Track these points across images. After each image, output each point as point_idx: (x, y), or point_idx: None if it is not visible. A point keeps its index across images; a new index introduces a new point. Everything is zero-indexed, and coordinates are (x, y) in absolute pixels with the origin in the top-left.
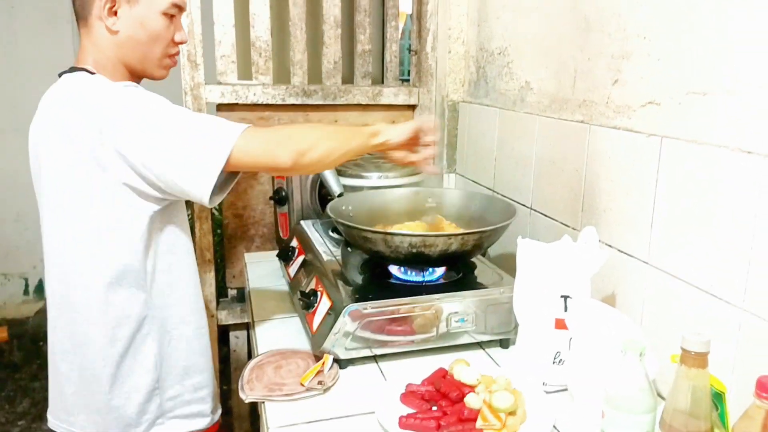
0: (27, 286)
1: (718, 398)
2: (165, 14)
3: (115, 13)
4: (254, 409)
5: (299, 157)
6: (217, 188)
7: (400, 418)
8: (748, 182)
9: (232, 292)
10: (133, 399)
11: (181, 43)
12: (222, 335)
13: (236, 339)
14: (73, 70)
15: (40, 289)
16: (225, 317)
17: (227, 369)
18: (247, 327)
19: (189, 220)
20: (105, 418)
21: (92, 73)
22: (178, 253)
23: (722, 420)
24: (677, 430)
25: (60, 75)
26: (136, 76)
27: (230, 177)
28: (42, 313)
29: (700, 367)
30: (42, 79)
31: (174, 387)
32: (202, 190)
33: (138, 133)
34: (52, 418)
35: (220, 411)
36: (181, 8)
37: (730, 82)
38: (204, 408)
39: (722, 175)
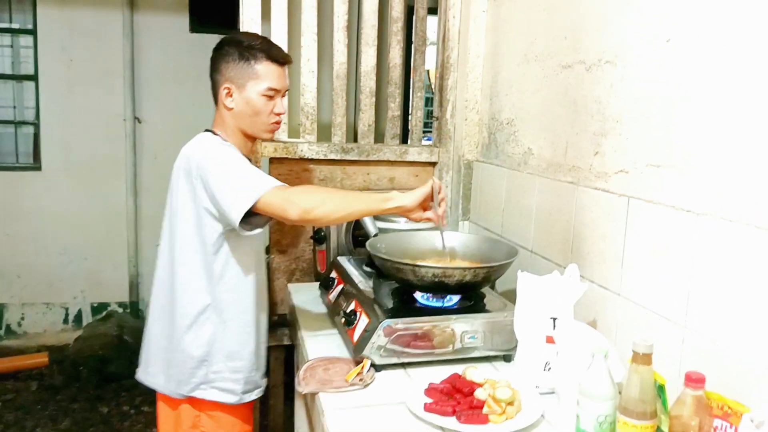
0: (67, 315)
1: (660, 389)
2: (264, 95)
3: (231, 95)
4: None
5: (304, 213)
6: (258, 224)
7: (425, 404)
8: (689, 234)
9: (274, 318)
10: (188, 363)
11: (279, 114)
12: None
13: (275, 360)
14: (207, 131)
15: (78, 318)
16: (268, 339)
17: (267, 389)
18: (287, 349)
19: None
20: (167, 372)
21: (215, 133)
22: (243, 267)
23: (664, 405)
24: (630, 411)
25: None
26: (249, 137)
27: (267, 219)
28: (80, 341)
29: (646, 364)
30: (94, 126)
31: (218, 364)
32: (233, 217)
33: (213, 173)
34: (139, 372)
35: (251, 397)
36: (277, 91)
37: (677, 159)
38: (236, 387)
39: (670, 227)
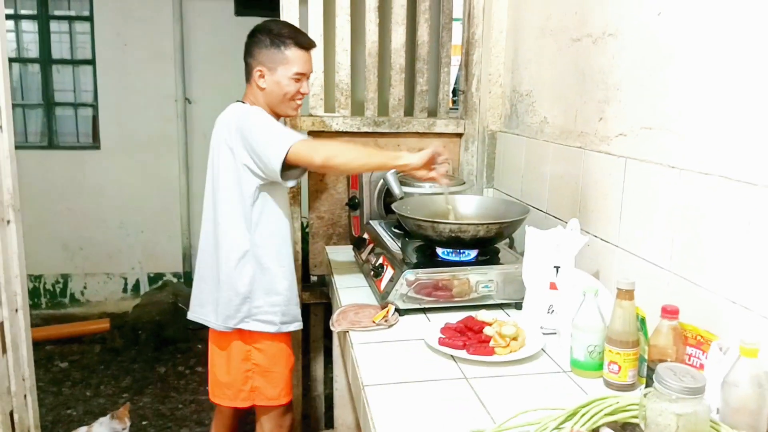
0: (126, 284)
1: (642, 322)
2: (292, 78)
3: (263, 77)
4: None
5: (326, 160)
6: (295, 175)
7: (439, 339)
8: (674, 188)
9: (313, 278)
10: (233, 300)
11: (304, 94)
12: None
13: (315, 317)
14: (238, 101)
15: (136, 287)
16: (308, 297)
17: (307, 344)
18: (326, 306)
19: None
20: (216, 310)
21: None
22: (275, 216)
23: (645, 336)
24: (615, 341)
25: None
26: (275, 113)
27: (302, 170)
28: (139, 308)
29: (629, 299)
30: (148, 106)
31: (259, 300)
32: (275, 165)
33: (252, 131)
34: (191, 313)
35: (290, 328)
36: (304, 74)
37: (664, 122)
38: (275, 318)
39: (659, 183)
